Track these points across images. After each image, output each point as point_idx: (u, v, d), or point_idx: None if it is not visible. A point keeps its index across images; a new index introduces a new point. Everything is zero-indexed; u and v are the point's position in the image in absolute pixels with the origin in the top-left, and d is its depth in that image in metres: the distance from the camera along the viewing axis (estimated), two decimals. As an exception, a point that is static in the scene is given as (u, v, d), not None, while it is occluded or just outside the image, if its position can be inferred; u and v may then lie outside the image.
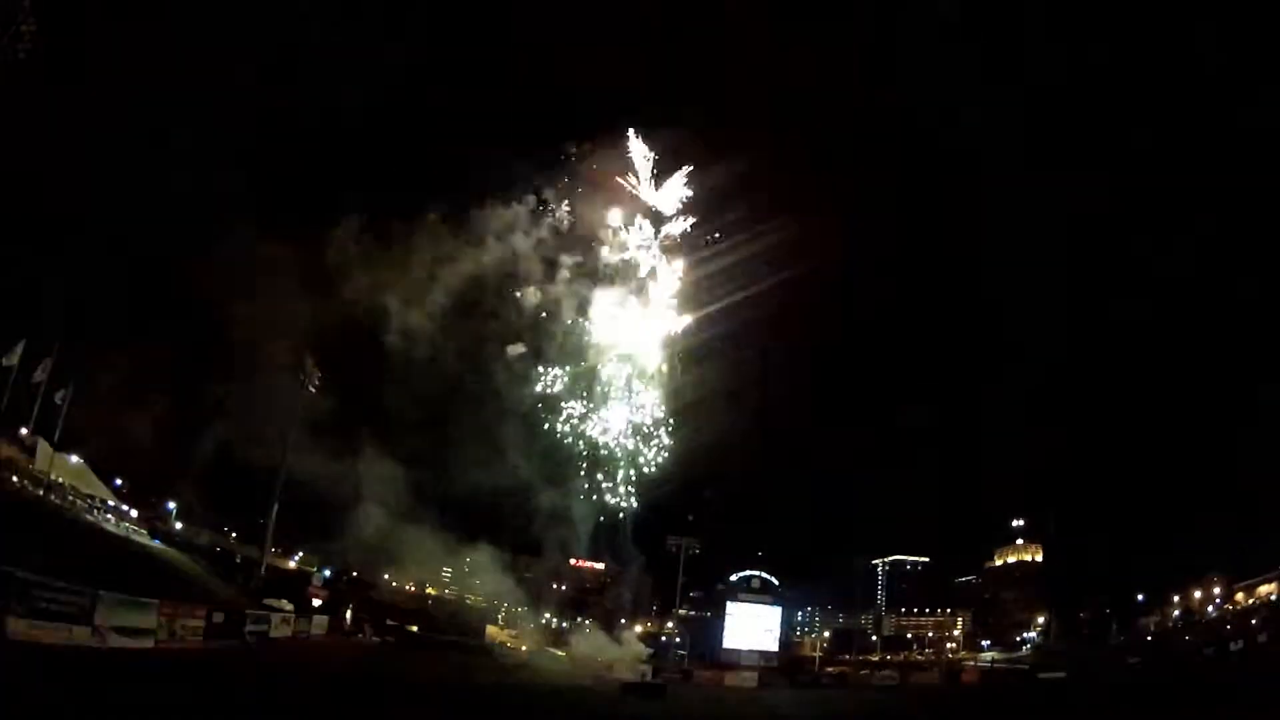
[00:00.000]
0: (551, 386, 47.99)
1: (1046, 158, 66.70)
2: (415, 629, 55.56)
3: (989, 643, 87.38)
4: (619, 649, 61.58)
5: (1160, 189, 61.50)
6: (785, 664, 66.03)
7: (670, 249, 48.49)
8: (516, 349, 47.12)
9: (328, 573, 61.09)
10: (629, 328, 48.32)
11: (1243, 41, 51.91)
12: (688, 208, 48.44)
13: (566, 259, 48.11)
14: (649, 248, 48.27)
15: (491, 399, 48.27)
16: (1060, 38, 61.28)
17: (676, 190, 48.03)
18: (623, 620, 72.39)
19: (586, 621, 74.75)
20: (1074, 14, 58.63)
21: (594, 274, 48.15)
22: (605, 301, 48.35)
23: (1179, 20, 53.50)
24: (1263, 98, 51.16)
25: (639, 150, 47.08)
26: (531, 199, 48.26)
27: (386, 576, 68.94)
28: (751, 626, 67.44)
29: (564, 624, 75.59)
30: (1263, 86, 51.11)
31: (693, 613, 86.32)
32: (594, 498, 51.39)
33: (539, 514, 51.80)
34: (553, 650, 59.91)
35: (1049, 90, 60.76)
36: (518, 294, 47.12)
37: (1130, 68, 59.18)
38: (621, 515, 52.83)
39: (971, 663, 69.61)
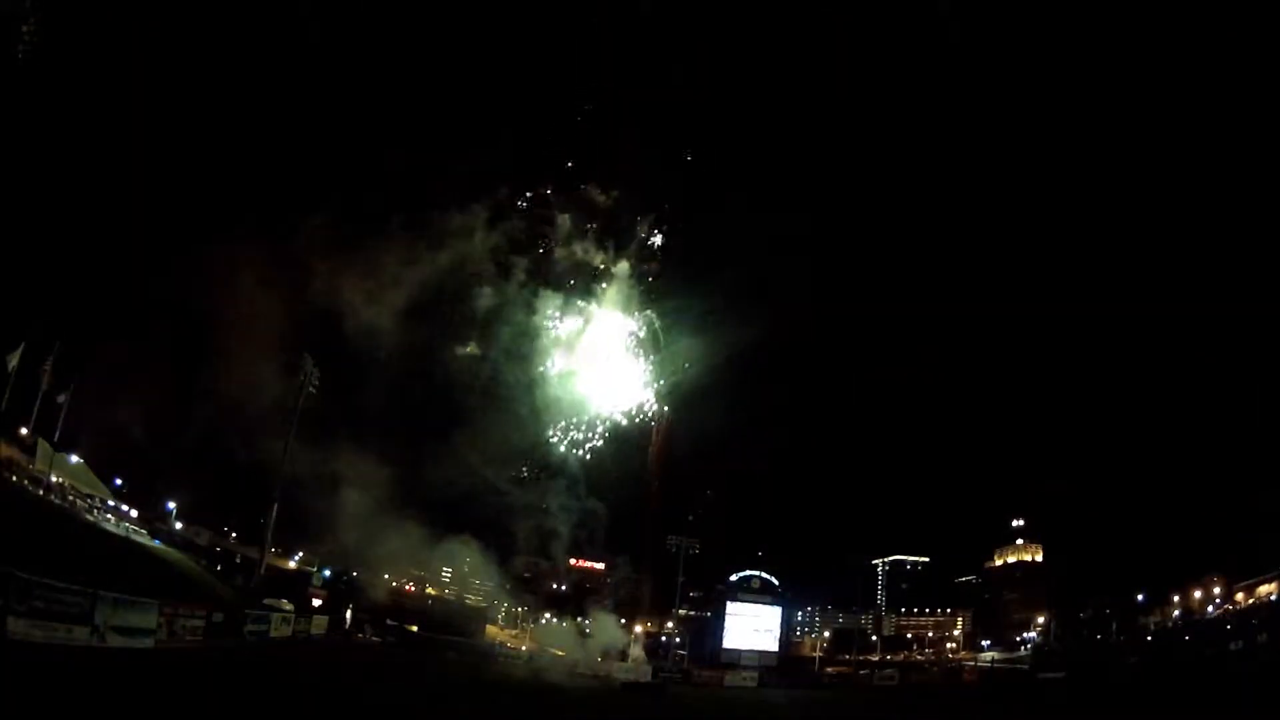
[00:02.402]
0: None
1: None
2: (415, 629, 55.57)
3: (989, 643, 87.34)
4: (586, 643, 61.50)
5: (1157, 188, 61.65)
6: (785, 664, 66.02)
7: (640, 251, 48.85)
8: (470, 349, 47.41)
9: (328, 573, 61.08)
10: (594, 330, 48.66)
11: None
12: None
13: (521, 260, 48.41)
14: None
15: (474, 399, 48.52)
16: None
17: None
18: (622, 620, 72.09)
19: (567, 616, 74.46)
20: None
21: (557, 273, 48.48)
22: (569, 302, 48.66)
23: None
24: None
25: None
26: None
27: (386, 576, 68.94)
28: (751, 626, 67.43)
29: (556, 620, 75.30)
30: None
31: (693, 613, 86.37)
32: (562, 499, 51.76)
33: (520, 513, 52.11)
34: (553, 650, 59.91)
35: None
36: (484, 290, 47.35)
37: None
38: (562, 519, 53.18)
39: (971, 663, 69.61)
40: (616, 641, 63.68)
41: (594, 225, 48.42)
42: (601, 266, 48.46)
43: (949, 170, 69.38)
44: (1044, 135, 65.45)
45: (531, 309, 47.84)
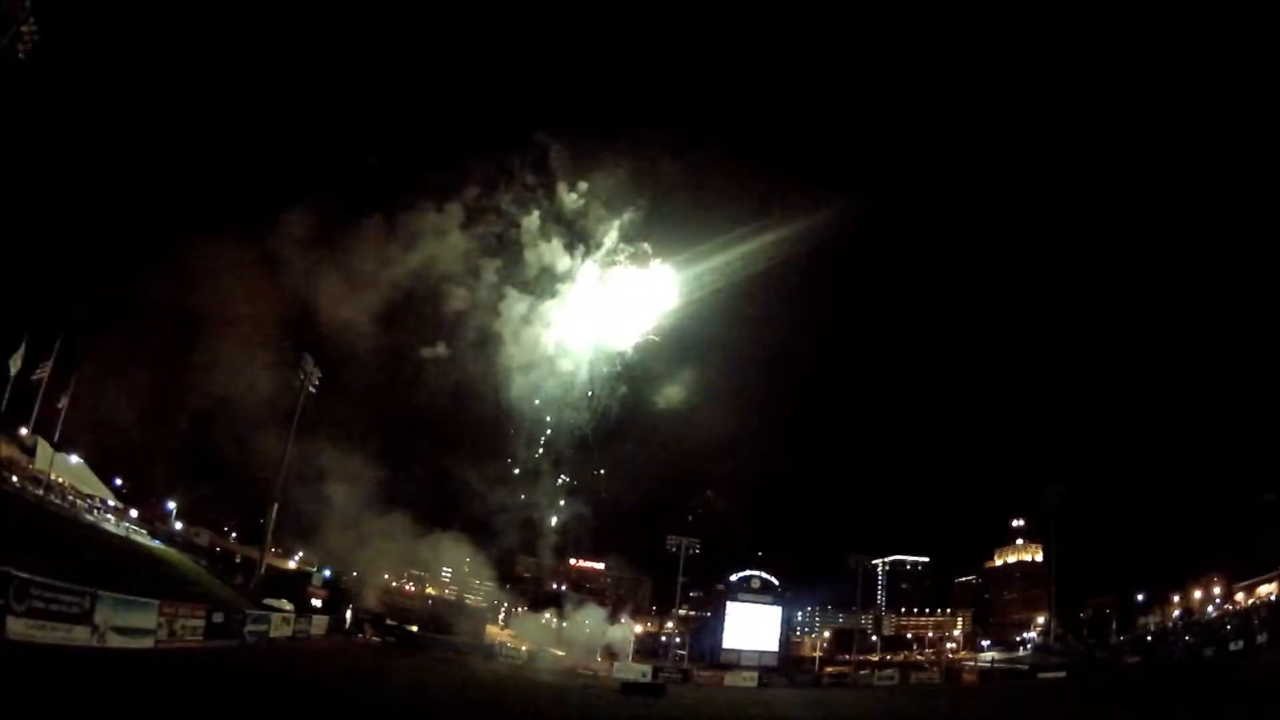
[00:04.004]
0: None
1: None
2: (415, 629, 55.54)
3: (989, 643, 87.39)
4: (571, 638, 61.49)
5: (1159, 187, 61.66)
6: (785, 664, 65.99)
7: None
8: (436, 350, 47.68)
9: (328, 573, 61.09)
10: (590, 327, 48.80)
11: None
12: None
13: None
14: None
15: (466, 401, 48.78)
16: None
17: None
18: (623, 620, 72.11)
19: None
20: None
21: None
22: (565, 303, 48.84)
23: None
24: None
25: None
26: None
27: (386, 576, 68.97)
28: (751, 626, 67.40)
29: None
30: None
31: (693, 613, 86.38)
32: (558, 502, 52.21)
33: (519, 514, 52.42)
34: (553, 650, 59.93)
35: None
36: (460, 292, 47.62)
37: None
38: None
39: (971, 663, 69.57)
40: (601, 637, 63.68)
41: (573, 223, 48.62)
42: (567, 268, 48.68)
43: (948, 166, 69.55)
44: (1041, 133, 65.57)
45: (498, 313, 48.14)
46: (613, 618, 69.40)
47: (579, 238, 48.38)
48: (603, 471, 53.69)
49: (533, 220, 48.17)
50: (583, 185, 47.75)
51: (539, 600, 77.31)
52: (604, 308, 48.69)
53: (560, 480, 51.59)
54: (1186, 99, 56.73)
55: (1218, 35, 51.89)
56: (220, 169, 51.39)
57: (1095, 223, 68.17)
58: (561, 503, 53.17)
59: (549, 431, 49.83)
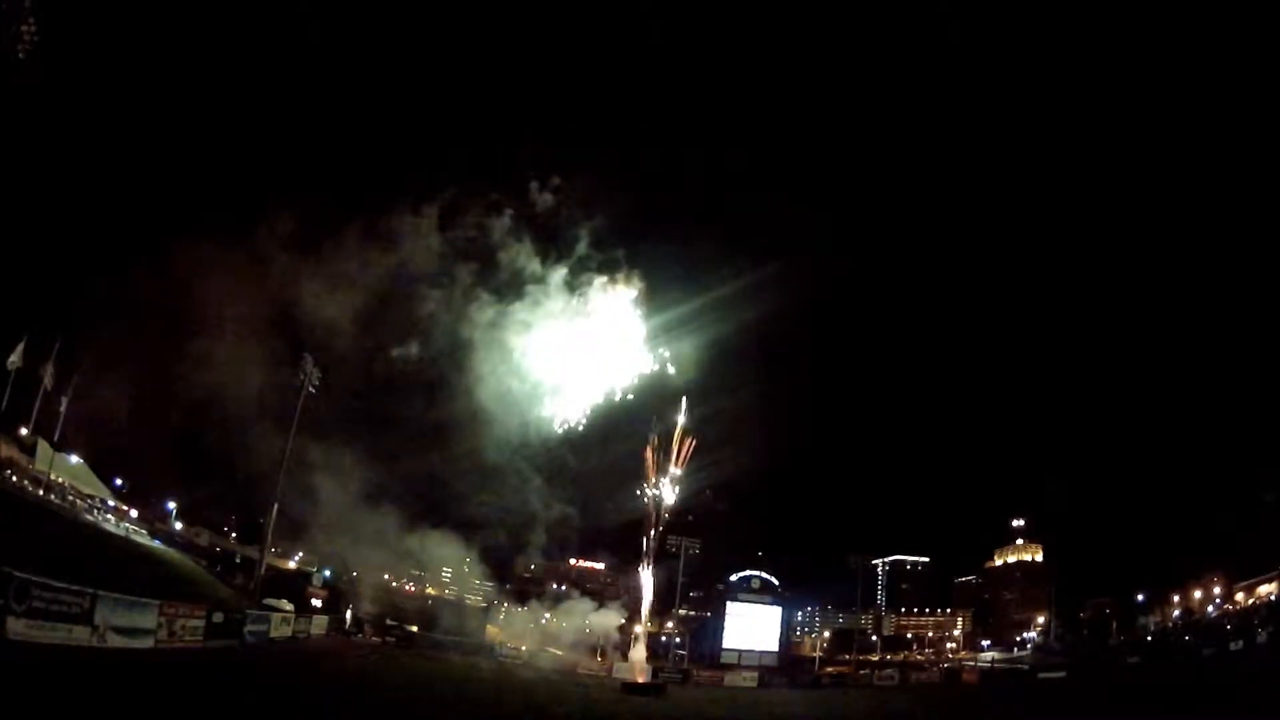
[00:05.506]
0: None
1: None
2: (415, 629, 55.54)
3: (989, 643, 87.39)
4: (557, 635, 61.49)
5: (1159, 186, 61.69)
6: (785, 664, 65.95)
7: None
8: (409, 350, 47.72)
9: (328, 573, 61.07)
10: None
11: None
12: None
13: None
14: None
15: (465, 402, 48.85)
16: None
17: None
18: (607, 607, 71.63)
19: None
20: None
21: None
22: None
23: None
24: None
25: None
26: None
27: (386, 575, 68.87)
28: (751, 626, 67.37)
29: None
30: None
31: (693, 613, 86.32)
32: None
33: (517, 514, 52.53)
34: (552, 650, 59.87)
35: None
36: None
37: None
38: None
39: (971, 663, 69.55)
40: (588, 629, 63.44)
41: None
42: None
43: (948, 164, 69.63)
44: (1044, 127, 65.60)
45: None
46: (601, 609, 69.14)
47: (557, 240, 48.44)
48: (584, 472, 53.71)
49: (507, 222, 48.29)
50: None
51: (525, 596, 77.15)
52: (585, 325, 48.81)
53: (539, 482, 51.69)
54: (1189, 92, 56.86)
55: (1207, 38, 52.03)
56: (222, 170, 51.52)
57: (1094, 223, 68.24)
58: (551, 506, 53.25)
59: (524, 435, 49.97)
